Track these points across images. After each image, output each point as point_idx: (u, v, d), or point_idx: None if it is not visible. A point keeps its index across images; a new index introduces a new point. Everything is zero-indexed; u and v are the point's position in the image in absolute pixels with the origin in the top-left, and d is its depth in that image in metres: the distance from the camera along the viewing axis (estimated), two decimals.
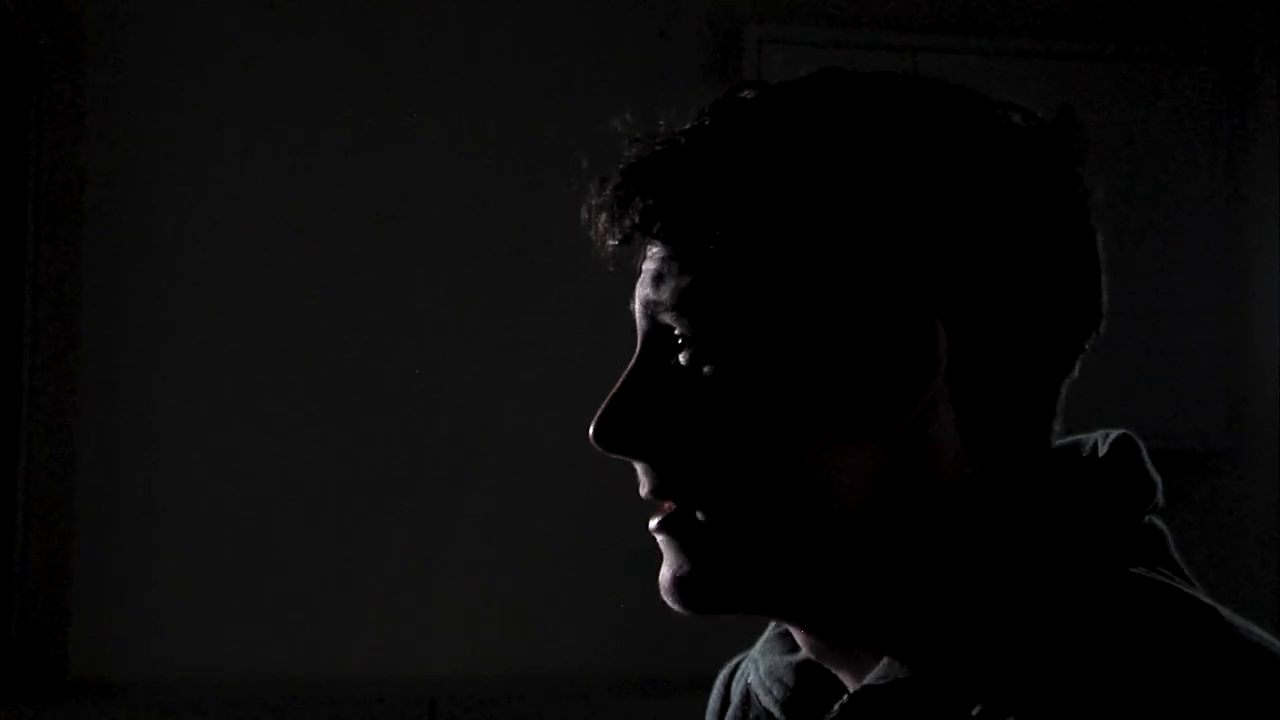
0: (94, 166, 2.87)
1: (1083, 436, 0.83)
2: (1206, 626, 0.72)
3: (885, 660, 0.77)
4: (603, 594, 2.96)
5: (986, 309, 0.78)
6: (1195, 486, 3.08)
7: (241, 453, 2.90)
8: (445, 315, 2.98)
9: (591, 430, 0.82)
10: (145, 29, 2.89)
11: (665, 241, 0.81)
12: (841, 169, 0.78)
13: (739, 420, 0.78)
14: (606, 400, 0.82)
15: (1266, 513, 3.20)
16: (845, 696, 0.77)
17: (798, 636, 0.84)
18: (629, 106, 0.85)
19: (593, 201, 0.83)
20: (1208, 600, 0.74)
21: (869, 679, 0.77)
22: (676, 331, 0.80)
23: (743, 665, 0.94)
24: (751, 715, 0.90)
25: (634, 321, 0.84)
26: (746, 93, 0.82)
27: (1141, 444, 0.82)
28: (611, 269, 0.84)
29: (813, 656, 0.85)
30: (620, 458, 0.82)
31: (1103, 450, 0.81)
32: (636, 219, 0.81)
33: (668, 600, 0.82)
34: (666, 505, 0.81)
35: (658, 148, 0.81)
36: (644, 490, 0.82)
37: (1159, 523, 0.80)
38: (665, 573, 0.82)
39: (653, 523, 0.82)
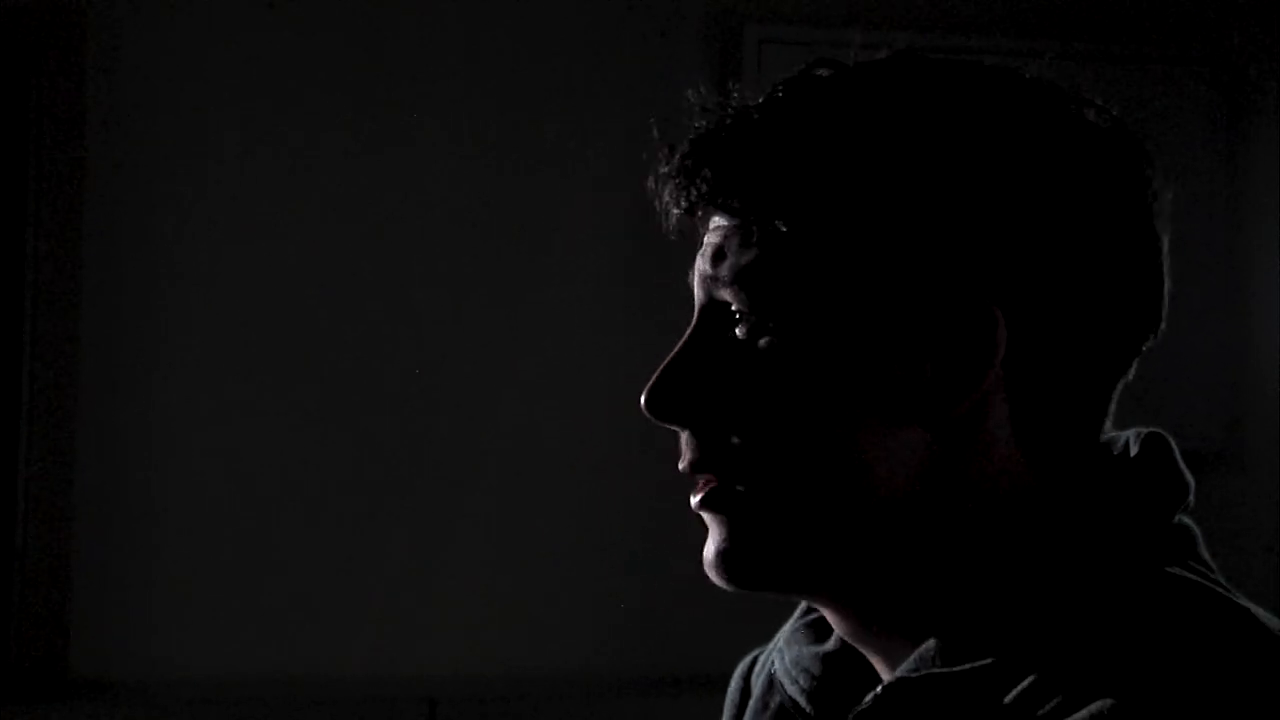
0: (94, 166, 2.86)
1: (1113, 435, 0.83)
2: (1240, 625, 0.72)
3: (919, 651, 0.77)
4: (603, 594, 2.96)
5: (1047, 302, 0.78)
6: (1197, 487, 3.07)
7: (241, 453, 2.90)
8: (445, 315, 2.97)
9: (643, 398, 0.82)
10: (145, 29, 2.89)
11: (730, 213, 0.80)
12: (913, 153, 0.78)
13: (793, 396, 0.78)
14: (660, 369, 0.82)
15: (1267, 513, 3.20)
16: (879, 688, 0.77)
17: (833, 619, 0.83)
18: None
19: (660, 169, 0.82)
20: (1242, 600, 0.74)
21: (901, 670, 0.77)
22: (734, 307, 0.80)
23: (763, 658, 0.94)
24: (775, 705, 0.90)
25: (691, 295, 0.84)
26: (822, 70, 0.81)
27: (1173, 442, 0.82)
28: (673, 239, 0.84)
29: (847, 639, 0.84)
30: (669, 427, 0.82)
31: (1134, 449, 0.81)
32: (704, 189, 0.80)
33: (712, 575, 0.82)
34: (704, 481, 0.81)
35: (729, 120, 0.81)
36: (683, 463, 0.82)
37: (1190, 522, 0.81)
38: (710, 548, 0.82)
39: (694, 499, 0.81)
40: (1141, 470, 0.80)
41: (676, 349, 0.82)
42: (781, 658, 0.90)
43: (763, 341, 0.79)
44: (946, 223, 0.77)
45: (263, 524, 2.90)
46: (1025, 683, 0.72)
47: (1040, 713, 0.70)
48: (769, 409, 0.78)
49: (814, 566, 0.80)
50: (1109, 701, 0.68)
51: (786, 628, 0.92)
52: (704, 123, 0.82)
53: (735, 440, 0.79)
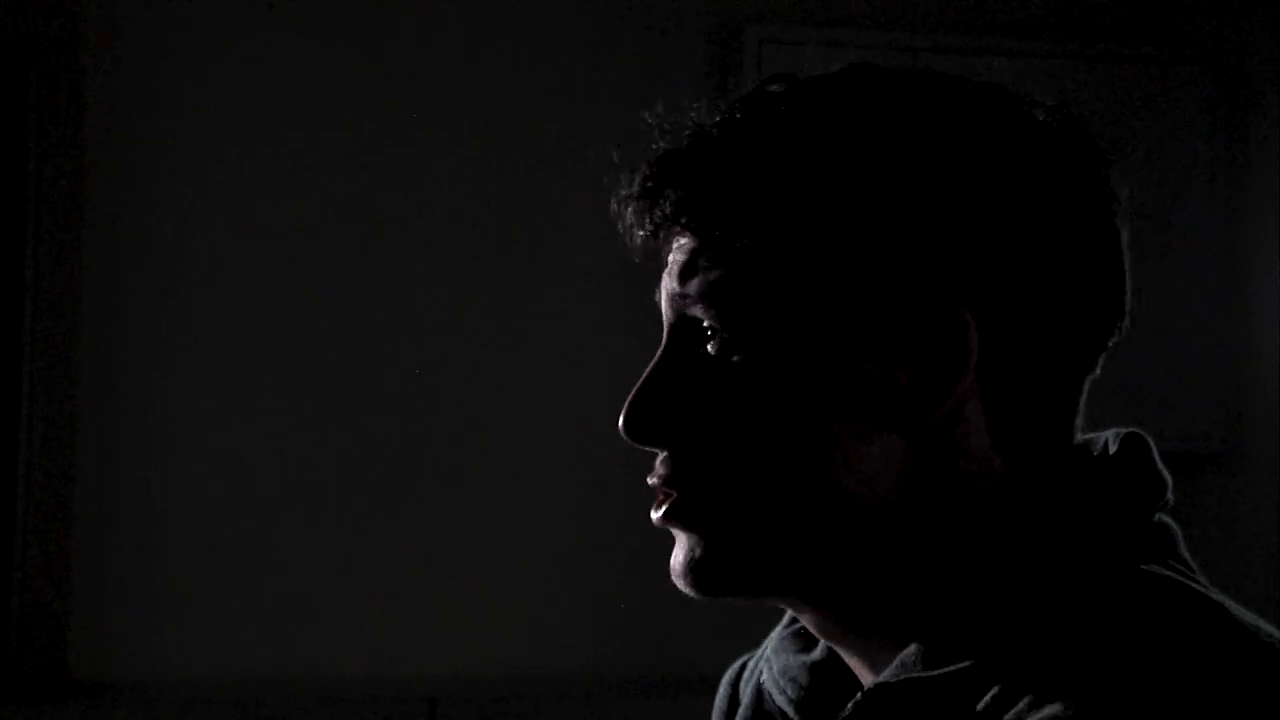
0: (94, 166, 2.87)
1: (1093, 435, 0.83)
2: (1215, 622, 0.72)
3: (901, 656, 0.77)
4: (603, 594, 2.96)
5: (1015, 303, 0.78)
6: (1195, 487, 3.08)
7: (241, 453, 2.90)
8: (445, 315, 2.98)
9: (620, 421, 0.82)
10: (145, 29, 2.89)
11: (695, 233, 0.81)
12: (871, 163, 0.78)
13: (767, 410, 0.78)
14: (634, 391, 0.82)
15: (1266, 513, 3.20)
16: (859, 694, 0.77)
17: (811, 623, 0.84)
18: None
19: (621, 193, 0.83)
20: (1218, 596, 0.75)
21: (883, 676, 0.77)
22: (705, 323, 0.80)
23: (751, 666, 0.94)
24: (764, 714, 0.90)
25: (657, 314, 0.84)
26: (776, 86, 0.82)
27: (1151, 442, 0.82)
28: (637, 261, 0.84)
29: (826, 642, 0.84)
30: (647, 448, 0.82)
31: (1113, 448, 0.81)
32: (667, 210, 0.81)
33: (679, 584, 0.82)
34: (661, 495, 0.81)
35: (688, 139, 0.81)
36: (654, 478, 0.82)
37: (1169, 520, 0.81)
38: (678, 556, 0.82)
39: (655, 514, 0.82)
40: (1120, 470, 0.80)
41: (649, 371, 0.82)
42: (769, 667, 0.90)
43: (735, 357, 0.79)
44: (910, 230, 0.77)
45: (262, 524, 2.91)
46: (998, 685, 0.72)
47: (1008, 715, 0.70)
48: (744, 423, 0.79)
49: (784, 573, 0.80)
50: (1071, 704, 0.68)
51: (774, 635, 0.92)
52: (663, 143, 0.82)
53: (712, 457, 0.80)
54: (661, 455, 0.82)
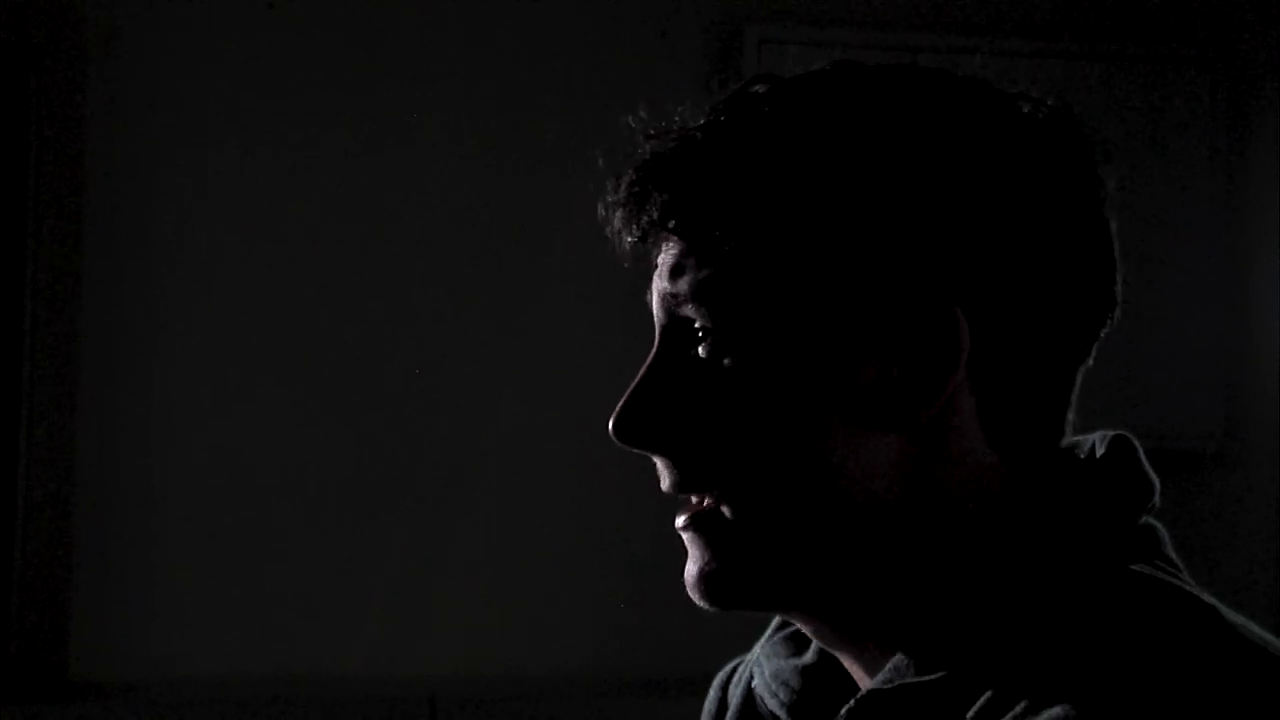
0: (94, 166, 2.87)
1: (1080, 438, 0.83)
2: (1208, 623, 0.72)
3: (893, 661, 0.77)
4: (603, 594, 2.96)
5: (1005, 297, 0.78)
6: (1195, 486, 3.08)
7: (242, 454, 2.90)
8: (445, 315, 2.98)
9: (611, 425, 0.82)
10: (145, 29, 2.89)
11: (683, 236, 0.80)
12: (857, 160, 0.78)
13: (761, 411, 0.78)
14: (626, 394, 0.82)
15: (1266, 513, 3.20)
16: (851, 701, 0.77)
17: (809, 629, 0.84)
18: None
19: (608, 198, 0.83)
20: (1209, 599, 0.75)
21: (875, 682, 0.77)
22: (696, 324, 0.80)
23: (740, 669, 0.94)
24: (756, 718, 0.90)
25: (650, 315, 0.84)
26: (759, 87, 0.82)
27: (1138, 445, 0.82)
28: (627, 265, 0.84)
29: (824, 647, 0.84)
30: (640, 452, 0.82)
31: (1100, 451, 0.81)
32: (654, 214, 0.81)
33: (694, 597, 0.82)
34: (694, 501, 0.81)
35: (673, 143, 0.81)
36: (666, 484, 0.82)
37: (1155, 523, 0.81)
38: (691, 569, 0.82)
39: (679, 520, 0.82)
40: (1107, 472, 0.80)
41: (641, 374, 0.82)
42: (761, 671, 0.90)
43: (726, 359, 0.79)
44: (898, 227, 0.77)
45: (263, 524, 2.91)
46: (991, 690, 0.72)
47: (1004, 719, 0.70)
48: (738, 426, 0.78)
49: (795, 583, 0.80)
50: (1066, 707, 0.68)
51: (764, 639, 0.92)
52: (648, 147, 0.82)
53: (707, 462, 0.80)
54: (661, 460, 0.82)
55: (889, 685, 0.76)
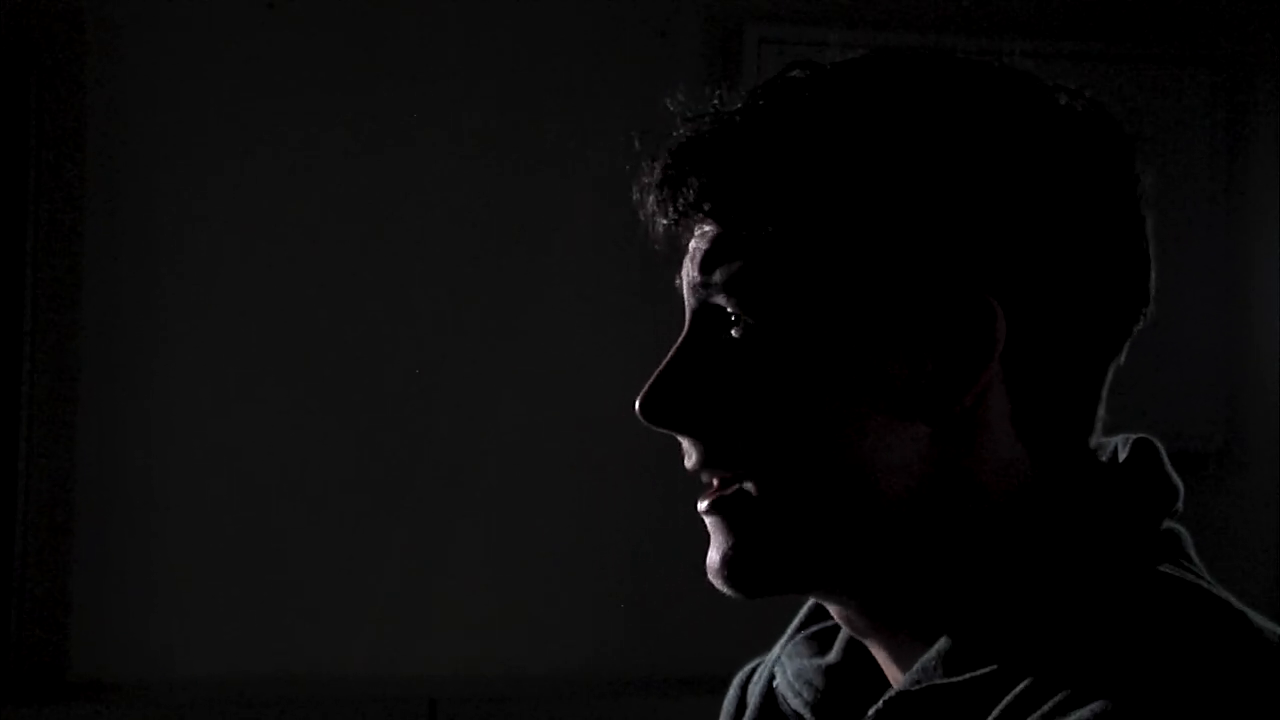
0: (94, 166, 2.86)
1: (1103, 440, 0.83)
2: (1237, 627, 0.72)
3: (921, 661, 0.76)
4: (603, 594, 2.96)
5: (1041, 290, 0.77)
6: (1195, 486, 3.06)
7: (242, 454, 2.90)
8: (445, 315, 2.97)
9: (639, 404, 0.81)
10: (145, 29, 2.89)
11: (718, 221, 0.80)
12: (897, 149, 0.77)
13: (792, 396, 0.78)
14: (655, 374, 0.81)
15: (1266, 513, 3.20)
16: (880, 702, 0.76)
17: (838, 615, 0.83)
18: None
19: (643, 180, 0.82)
20: (1238, 605, 0.74)
21: (904, 684, 0.76)
22: (728, 310, 0.80)
23: (759, 669, 0.94)
24: (779, 717, 0.89)
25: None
26: (798, 72, 0.81)
27: (1161, 448, 0.82)
28: (658, 248, 0.83)
29: (853, 635, 0.84)
30: (665, 432, 0.82)
31: (1123, 454, 0.81)
32: (691, 198, 0.80)
33: (717, 583, 0.81)
34: (717, 484, 0.80)
35: (710, 127, 0.80)
36: (690, 463, 0.81)
37: (1179, 527, 0.80)
38: (714, 555, 0.81)
39: (702, 504, 0.81)
40: (1130, 476, 0.80)
41: (671, 355, 0.82)
42: (783, 670, 0.89)
43: (759, 343, 0.78)
44: (936, 216, 0.77)
45: (263, 525, 2.90)
46: (1021, 687, 0.71)
47: (1033, 717, 0.70)
48: (768, 409, 0.78)
49: (818, 567, 0.80)
50: (1104, 704, 0.68)
51: (785, 639, 0.92)
52: (685, 131, 0.81)
53: (736, 442, 0.79)
54: (687, 441, 0.81)
55: (917, 686, 0.75)
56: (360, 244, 2.95)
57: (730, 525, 0.80)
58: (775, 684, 0.90)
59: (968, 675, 0.74)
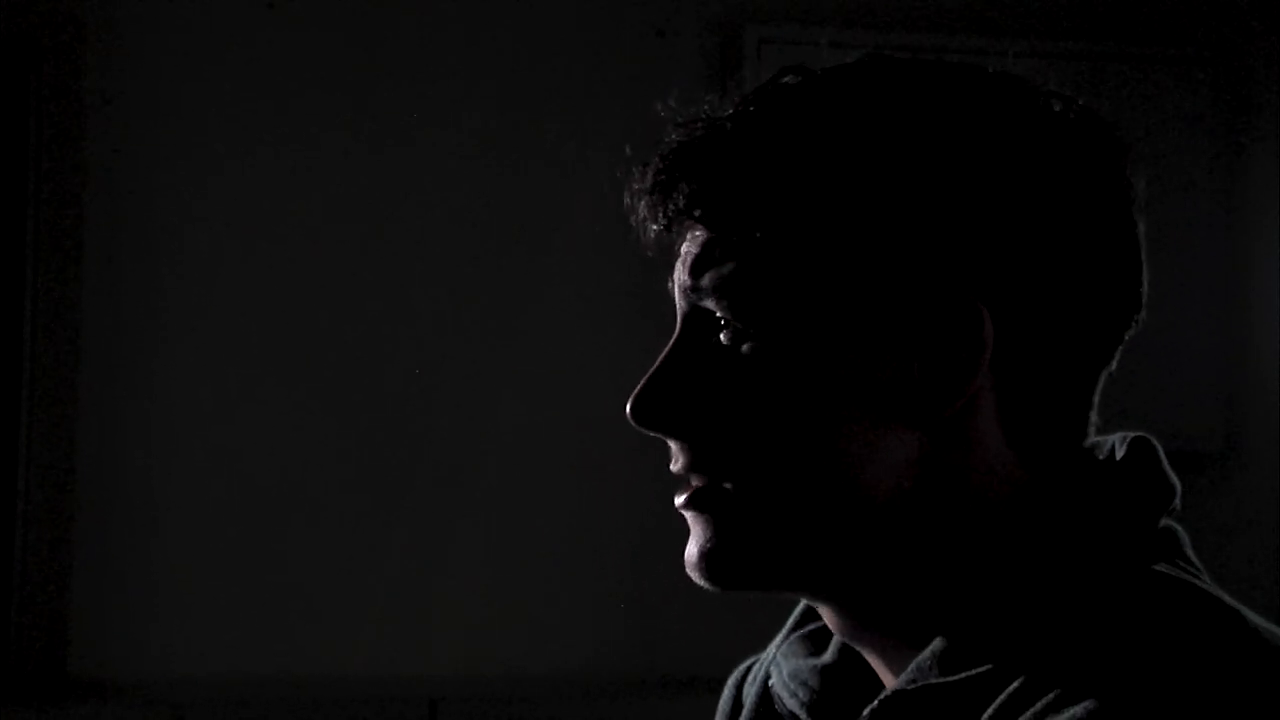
0: (94, 166, 2.86)
1: (1100, 439, 0.83)
2: (1232, 626, 0.72)
3: (916, 661, 0.76)
4: (603, 594, 2.96)
5: (1031, 297, 0.77)
6: (1195, 486, 3.07)
7: (242, 454, 2.90)
8: (445, 315, 2.98)
9: (629, 408, 0.81)
10: (145, 29, 2.89)
11: (709, 226, 0.80)
12: (886, 155, 0.77)
13: (780, 400, 0.78)
14: (645, 378, 0.82)
15: (1266, 513, 3.20)
16: (874, 702, 0.76)
17: (828, 616, 0.83)
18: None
19: (634, 186, 0.82)
20: (1232, 602, 0.74)
21: (898, 683, 0.76)
22: (718, 315, 0.80)
23: (755, 669, 0.94)
24: (774, 717, 0.89)
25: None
26: (790, 78, 0.81)
27: (1159, 446, 0.82)
28: (650, 254, 0.84)
29: (843, 638, 0.84)
30: (656, 435, 0.82)
31: (1120, 452, 0.81)
32: (681, 203, 0.80)
33: (693, 576, 0.82)
34: (694, 481, 0.81)
35: (701, 132, 0.81)
36: (676, 466, 0.81)
37: (1176, 525, 0.80)
38: (692, 548, 0.81)
39: (679, 499, 0.81)
40: (1128, 474, 0.80)
41: (661, 359, 0.82)
42: (779, 670, 0.89)
43: (747, 348, 0.79)
44: (926, 222, 0.77)
45: (263, 524, 2.90)
46: (1013, 686, 0.71)
47: (1025, 716, 0.70)
48: (756, 413, 0.78)
49: (798, 566, 0.80)
50: (1094, 702, 0.68)
51: (780, 639, 0.92)
52: (676, 136, 0.81)
53: (724, 445, 0.79)
54: (676, 444, 0.82)
55: (912, 686, 0.75)
56: (360, 244, 2.95)
57: (709, 519, 0.80)
58: (771, 684, 0.90)
59: (963, 675, 0.74)
